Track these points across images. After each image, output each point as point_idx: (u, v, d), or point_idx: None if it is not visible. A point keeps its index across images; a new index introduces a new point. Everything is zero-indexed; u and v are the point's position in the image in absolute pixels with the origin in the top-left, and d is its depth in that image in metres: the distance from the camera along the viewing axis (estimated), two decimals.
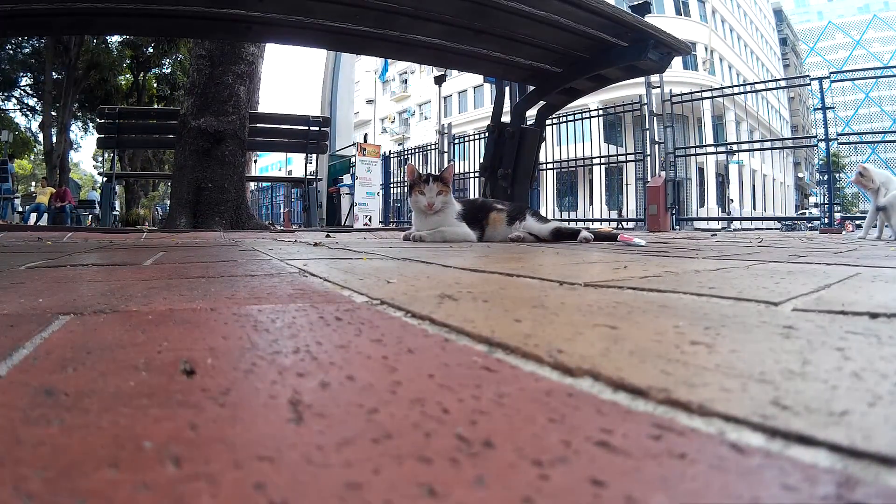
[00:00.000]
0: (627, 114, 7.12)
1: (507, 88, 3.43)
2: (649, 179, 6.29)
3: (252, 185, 13.18)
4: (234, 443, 0.24)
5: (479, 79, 18.49)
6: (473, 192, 6.55)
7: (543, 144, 3.82)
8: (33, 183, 18.36)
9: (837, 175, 7.05)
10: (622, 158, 7.32)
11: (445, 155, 8.53)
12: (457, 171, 7.66)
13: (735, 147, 8.40)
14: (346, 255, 1.48)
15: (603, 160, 7.52)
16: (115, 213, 10.38)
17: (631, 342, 0.41)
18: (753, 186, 20.93)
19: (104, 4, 2.31)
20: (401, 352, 0.40)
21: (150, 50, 16.37)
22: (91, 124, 17.18)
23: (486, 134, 3.63)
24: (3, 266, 1.13)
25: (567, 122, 7.30)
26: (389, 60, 24.04)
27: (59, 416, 0.27)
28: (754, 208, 18.99)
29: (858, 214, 7.69)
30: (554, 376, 0.34)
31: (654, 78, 6.41)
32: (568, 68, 3.00)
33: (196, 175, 4.49)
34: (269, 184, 14.10)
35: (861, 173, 3.64)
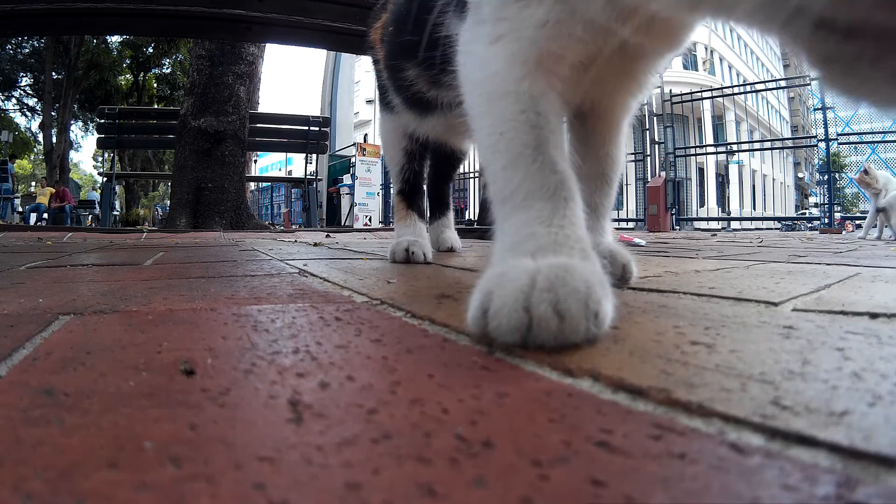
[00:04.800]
0: None
1: None
2: (649, 179, 6.29)
3: (252, 185, 13.17)
4: (234, 443, 0.24)
5: None
6: (473, 192, 6.54)
7: None
8: (33, 183, 18.35)
9: (837, 175, 7.06)
10: None
11: None
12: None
13: (735, 147, 8.41)
14: (346, 255, 1.47)
15: None
16: (115, 213, 10.39)
17: (631, 342, 0.41)
18: (753, 186, 20.94)
19: (104, 4, 2.31)
20: (401, 352, 0.40)
21: (150, 50, 16.36)
22: (91, 124, 17.15)
23: None
24: (3, 266, 1.13)
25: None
26: None
27: (59, 416, 0.27)
28: (754, 208, 18.99)
29: (858, 214, 7.70)
30: (554, 376, 0.34)
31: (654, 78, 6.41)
32: None
33: (196, 175, 4.49)
34: (269, 184, 14.09)
35: (866, 171, 3.65)
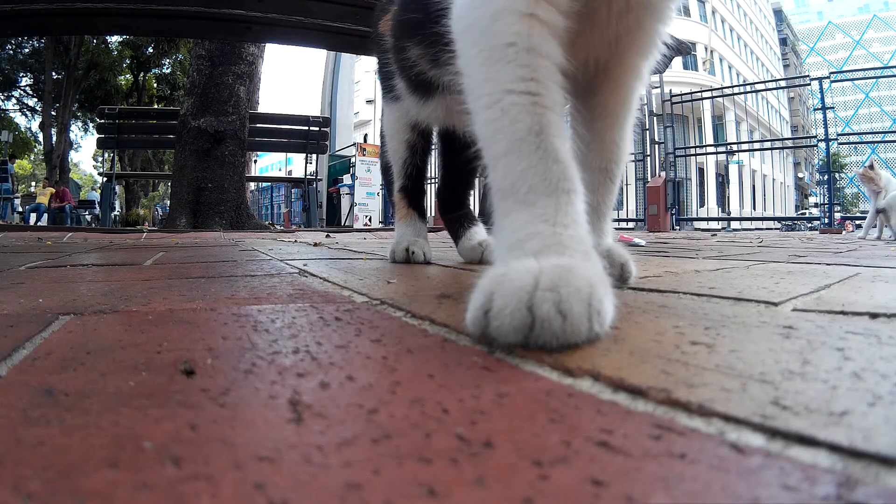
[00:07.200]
0: None
1: None
2: (649, 179, 6.29)
3: (252, 185, 13.16)
4: (234, 443, 0.24)
5: None
6: (473, 193, 6.54)
7: None
8: (33, 183, 18.36)
9: (837, 175, 7.06)
10: None
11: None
12: None
13: (735, 147, 8.41)
14: (346, 255, 1.47)
15: None
16: (115, 213, 10.39)
17: (631, 342, 0.41)
18: (753, 186, 20.95)
19: (104, 4, 2.32)
20: (401, 352, 0.40)
21: (150, 50, 16.36)
22: (91, 124, 17.14)
23: None
24: (3, 266, 1.13)
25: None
26: None
27: (59, 417, 0.27)
28: (754, 208, 19.00)
29: (858, 214, 7.70)
30: (554, 376, 0.34)
31: (654, 78, 6.42)
32: None
33: (196, 175, 4.49)
34: (269, 184, 14.09)
35: (871, 167, 3.65)
